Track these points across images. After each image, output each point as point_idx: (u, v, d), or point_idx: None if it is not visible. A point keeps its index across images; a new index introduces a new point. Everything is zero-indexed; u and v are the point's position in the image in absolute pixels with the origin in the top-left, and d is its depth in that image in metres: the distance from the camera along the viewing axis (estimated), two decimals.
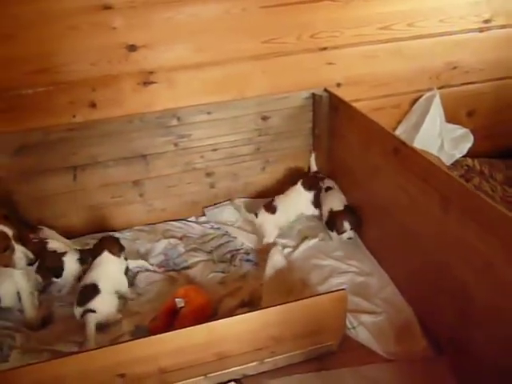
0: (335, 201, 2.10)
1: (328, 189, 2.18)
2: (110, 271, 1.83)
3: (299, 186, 2.20)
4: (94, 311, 1.68)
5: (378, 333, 1.63)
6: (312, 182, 2.22)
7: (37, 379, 1.32)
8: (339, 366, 1.55)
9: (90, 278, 1.78)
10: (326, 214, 2.09)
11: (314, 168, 2.34)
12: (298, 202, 2.21)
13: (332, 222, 2.04)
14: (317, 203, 2.19)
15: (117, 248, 1.90)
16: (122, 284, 1.87)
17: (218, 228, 2.25)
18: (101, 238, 1.96)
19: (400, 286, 1.81)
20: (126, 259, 1.95)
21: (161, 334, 1.38)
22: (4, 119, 1.95)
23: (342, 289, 1.49)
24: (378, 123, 1.78)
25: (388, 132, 1.73)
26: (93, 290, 1.73)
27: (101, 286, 1.75)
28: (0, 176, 1.98)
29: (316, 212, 2.22)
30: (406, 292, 1.77)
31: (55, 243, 1.96)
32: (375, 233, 1.97)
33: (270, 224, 2.14)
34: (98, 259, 1.85)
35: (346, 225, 2.00)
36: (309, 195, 2.20)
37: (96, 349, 1.39)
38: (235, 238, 2.17)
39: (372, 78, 2.31)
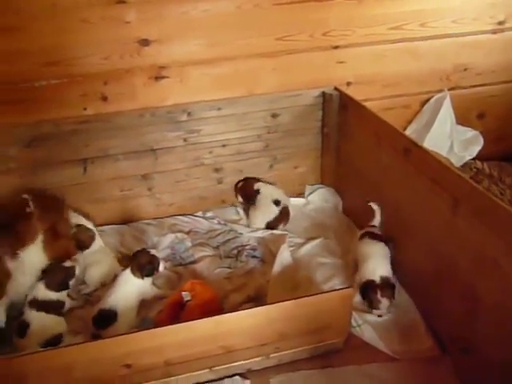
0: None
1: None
2: (129, 293, 1.70)
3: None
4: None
5: (383, 331, 1.64)
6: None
7: (44, 367, 1.34)
8: (344, 363, 1.56)
9: (108, 302, 1.65)
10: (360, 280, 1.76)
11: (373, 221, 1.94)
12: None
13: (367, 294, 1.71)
14: None
15: (141, 271, 1.73)
16: (146, 295, 1.78)
17: (225, 224, 2.26)
18: (137, 251, 1.80)
19: (406, 285, 1.81)
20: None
21: (167, 326, 1.39)
22: (16, 111, 1.96)
23: (348, 287, 1.49)
24: (388, 123, 1.78)
25: (399, 132, 1.73)
26: (109, 317, 1.63)
27: (119, 311, 1.64)
28: (11, 167, 2.00)
29: None
30: (411, 291, 1.77)
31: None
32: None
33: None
34: (119, 277, 1.74)
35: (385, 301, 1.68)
36: None
37: (103, 339, 1.41)
38: (242, 234, 2.18)
39: (383, 78, 2.30)
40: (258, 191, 2.23)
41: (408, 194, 1.70)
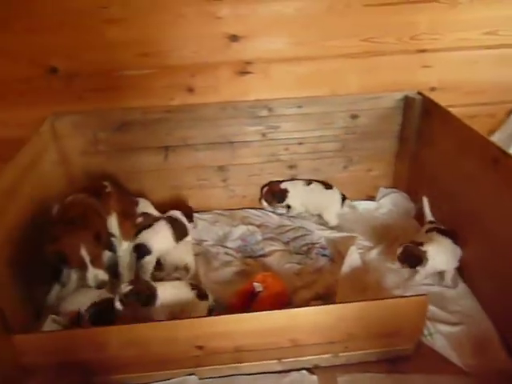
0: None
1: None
2: None
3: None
4: None
5: (455, 342, 1.60)
6: None
7: (126, 339, 1.43)
8: (412, 371, 1.54)
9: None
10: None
11: (428, 216, 2.03)
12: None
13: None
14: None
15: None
16: None
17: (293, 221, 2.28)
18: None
19: (481, 298, 1.75)
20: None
21: (241, 314, 1.44)
22: (109, 97, 2.08)
23: (424, 294, 1.47)
24: (476, 130, 1.72)
25: (487, 140, 1.67)
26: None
27: None
28: (101, 149, 2.14)
29: None
30: (487, 304, 1.72)
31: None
32: (463, 244, 1.87)
33: None
34: None
35: None
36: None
37: (181, 319, 1.47)
38: (312, 231, 2.19)
39: (469, 84, 2.23)
40: (286, 190, 2.26)
41: (493, 206, 1.64)
